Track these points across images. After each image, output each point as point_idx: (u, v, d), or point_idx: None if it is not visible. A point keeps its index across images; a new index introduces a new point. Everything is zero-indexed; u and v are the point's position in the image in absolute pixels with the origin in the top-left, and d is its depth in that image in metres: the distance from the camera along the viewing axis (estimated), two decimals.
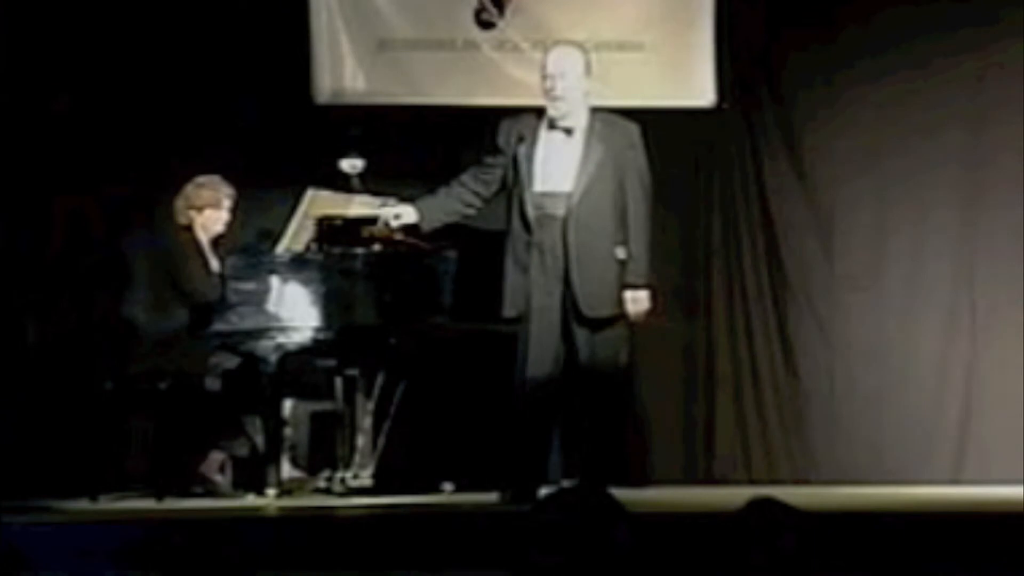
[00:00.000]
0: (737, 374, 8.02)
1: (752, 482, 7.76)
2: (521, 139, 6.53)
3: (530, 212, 6.46)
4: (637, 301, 6.52)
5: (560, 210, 6.45)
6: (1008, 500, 6.45)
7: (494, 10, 7.92)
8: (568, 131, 6.53)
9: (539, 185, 6.47)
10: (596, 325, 6.46)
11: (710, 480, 7.86)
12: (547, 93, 6.53)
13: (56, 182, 7.71)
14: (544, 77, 6.55)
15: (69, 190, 7.73)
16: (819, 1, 8.03)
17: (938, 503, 6.74)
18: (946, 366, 7.90)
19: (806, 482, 7.77)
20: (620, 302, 6.50)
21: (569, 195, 6.45)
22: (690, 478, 7.86)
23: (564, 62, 6.55)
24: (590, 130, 6.51)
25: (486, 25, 7.93)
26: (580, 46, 6.76)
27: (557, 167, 6.50)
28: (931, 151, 7.93)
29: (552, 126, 6.55)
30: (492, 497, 6.56)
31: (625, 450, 6.72)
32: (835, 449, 7.88)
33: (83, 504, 6.69)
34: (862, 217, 8.00)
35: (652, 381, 7.90)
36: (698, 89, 7.95)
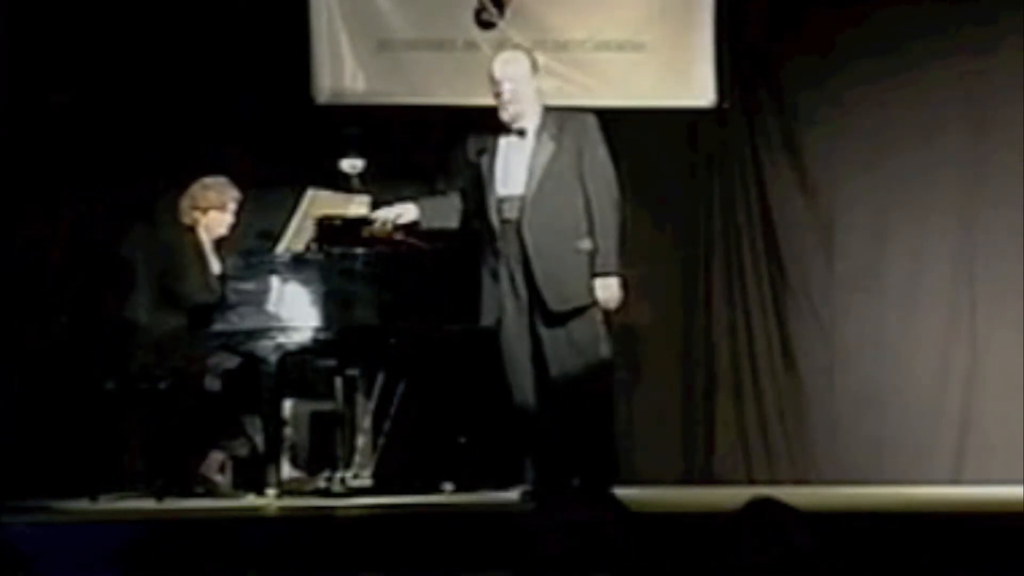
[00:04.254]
0: (737, 374, 8.03)
1: (752, 482, 7.76)
2: (483, 151, 6.60)
3: (493, 219, 6.51)
4: (607, 288, 6.52)
5: (515, 214, 6.49)
6: (1008, 500, 6.45)
7: (494, 10, 7.92)
8: (521, 132, 6.57)
9: (499, 191, 6.53)
10: (567, 318, 6.47)
11: (710, 480, 7.86)
12: (496, 99, 6.58)
13: (57, 182, 7.71)
14: (491, 83, 6.60)
15: (69, 190, 7.73)
16: (819, 1, 8.03)
17: (938, 503, 6.74)
18: (946, 366, 7.90)
19: (806, 482, 7.77)
20: (590, 292, 6.50)
21: (522, 197, 6.49)
22: (690, 478, 7.86)
23: (508, 66, 6.63)
24: (541, 129, 6.56)
25: (486, 25, 7.93)
26: (524, 48, 6.81)
27: (514, 170, 6.56)
28: (931, 151, 7.93)
29: (508, 131, 6.59)
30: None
31: (614, 446, 6.70)
32: (835, 449, 7.88)
33: (83, 504, 6.69)
34: (862, 217, 8.00)
35: (652, 381, 7.90)
36: (698, 89, 7.96)
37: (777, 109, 8.08)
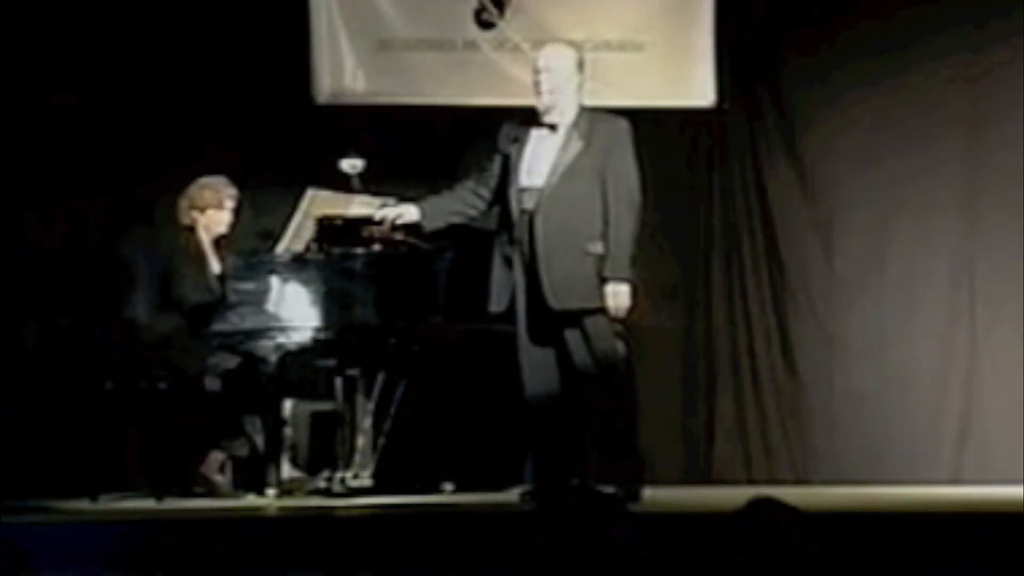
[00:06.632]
0: (737, 374, 8.03)
1: (752, 482, 7.76)
2: (516, 140, 6.59)
3: (513, 208, 6.52)
4: (617, 295, 6.51)
5: (533, 205, 6.50)
6: (1008, 500, 6.45)
7: (494, 10, 7.92)
8: (552, 127, 6.57)
9: (523, 181, 6.53)
10: (573, 319, 6.46)
11: (710, 480, 7.86)
12: (535, 88, 6.58)
13: (57, 182, 7.71)
14: (533, 71, 6.60)
15: (70, 191, 7.74)
16: (819, 2, 8.03)
17: (938, 503, 6.74)
18: (946, 366, 7.90)
19: (806, 482, 7.77)
20: (597, 296, 6.50)
21: (541, 190, 6.49)
22: (690, 478, 7.86)
23: (552, 58, 6.61)
24: (573, 126, 6.55)
25: (486, 25, 7.93)
26: (574, 44, 6.78)
27: (540, 163, 6.55)
28: (931, 151, 7.93)
29: (540, 123, 6.59)
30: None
31: (636, 445, 6.69)
32: (835, 449, 7.88)
33: (83, 504, 6.69)
34: (862, 217, 8.00)
35: (652, 381, 7.89)
36: (698, 89, 7.96)
37: (777, 109, 8.08)
